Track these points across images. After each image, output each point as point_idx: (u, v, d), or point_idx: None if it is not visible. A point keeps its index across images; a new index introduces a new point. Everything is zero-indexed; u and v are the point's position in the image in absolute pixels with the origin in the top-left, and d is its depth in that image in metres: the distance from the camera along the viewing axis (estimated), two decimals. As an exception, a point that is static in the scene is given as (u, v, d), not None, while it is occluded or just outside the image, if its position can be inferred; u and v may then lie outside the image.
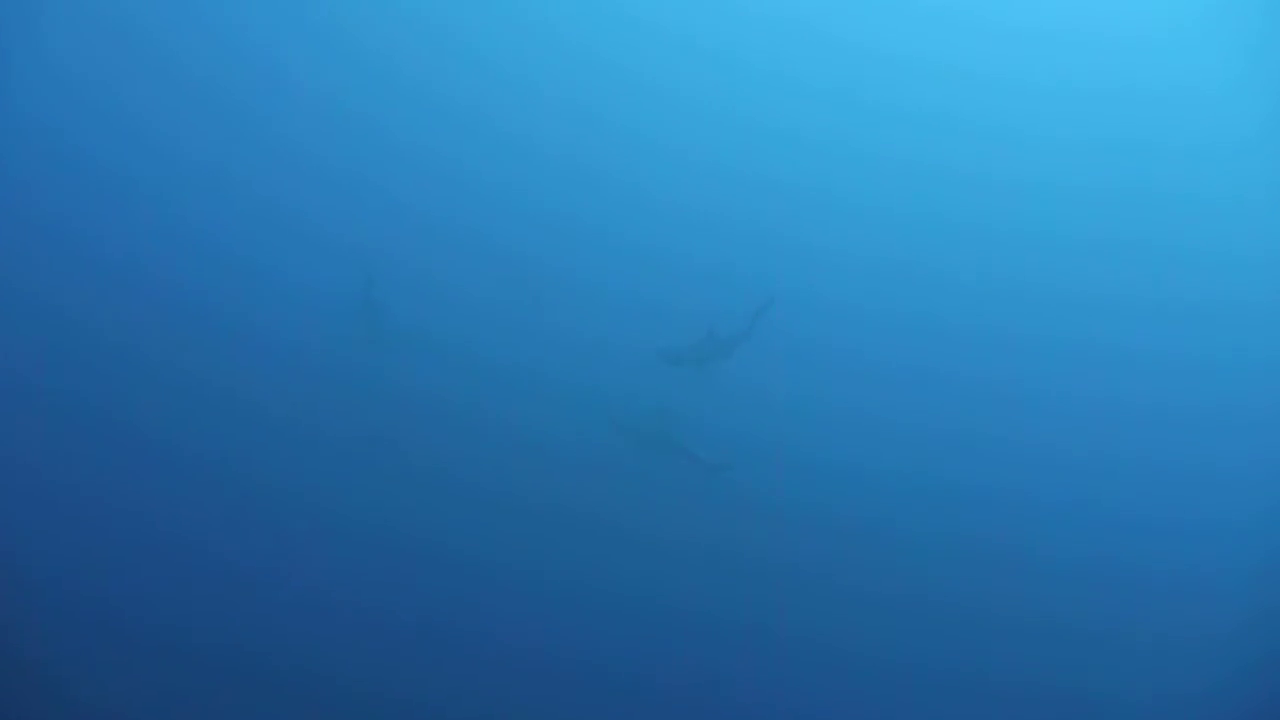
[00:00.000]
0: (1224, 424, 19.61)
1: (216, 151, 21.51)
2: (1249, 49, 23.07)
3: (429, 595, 13.28)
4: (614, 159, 24.53)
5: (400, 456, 15.16)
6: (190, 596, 12.47)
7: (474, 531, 14.22)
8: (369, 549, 13.73)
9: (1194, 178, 24.94)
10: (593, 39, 27.49)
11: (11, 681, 10.79)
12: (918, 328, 21.36)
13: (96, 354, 15.78)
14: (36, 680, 10.97)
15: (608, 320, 18.71)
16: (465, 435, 15.87)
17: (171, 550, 12.99)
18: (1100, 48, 27.80)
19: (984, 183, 25.53)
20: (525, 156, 23.91)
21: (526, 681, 12.42)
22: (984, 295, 22.59)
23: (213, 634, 12.05)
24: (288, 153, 22.09)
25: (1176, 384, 20.63)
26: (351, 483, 14.59)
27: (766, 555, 14.73)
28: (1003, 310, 22.28)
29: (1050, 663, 14.27)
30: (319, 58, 24.77)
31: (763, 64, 27.88)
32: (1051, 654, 14.43)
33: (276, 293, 18.25)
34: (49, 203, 18.90)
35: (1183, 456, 18.71)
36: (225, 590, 12.66)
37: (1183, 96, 26.26)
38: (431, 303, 18.34)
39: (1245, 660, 14.00)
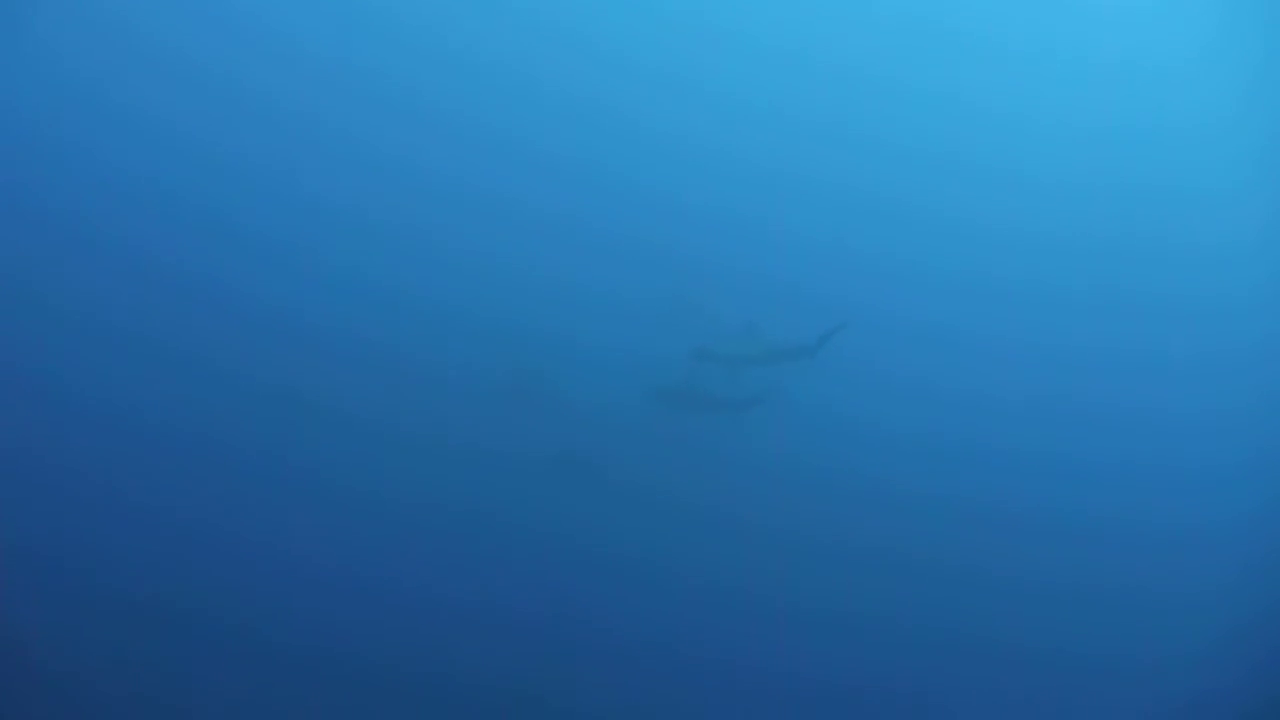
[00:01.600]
0: (1216, 373, 20.19)
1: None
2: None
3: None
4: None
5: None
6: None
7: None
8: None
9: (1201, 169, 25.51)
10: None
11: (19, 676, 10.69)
12: (933, 282, 22.06)
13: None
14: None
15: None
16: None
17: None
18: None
19: (1009, 182, 25.90)
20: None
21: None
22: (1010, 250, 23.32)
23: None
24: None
25: (1166, 331, 21.31)
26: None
27: (776, 517, 15.01)
28: (1019, 263, 22.96)
29: (1057, 622, 14.68)
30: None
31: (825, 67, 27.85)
32: (1057, 613, 14.83)
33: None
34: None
35: (1176, 408, 19.33)
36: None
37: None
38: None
39: (1243, 615, 14.38)
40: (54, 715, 10.30)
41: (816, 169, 24.29)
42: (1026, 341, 20.91)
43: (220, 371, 15.78)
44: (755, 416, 15.26)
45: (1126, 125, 26.17)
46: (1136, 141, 25.99)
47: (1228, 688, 13.07)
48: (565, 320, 17.95)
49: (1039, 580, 15.24)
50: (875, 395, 18.17)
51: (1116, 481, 17.60)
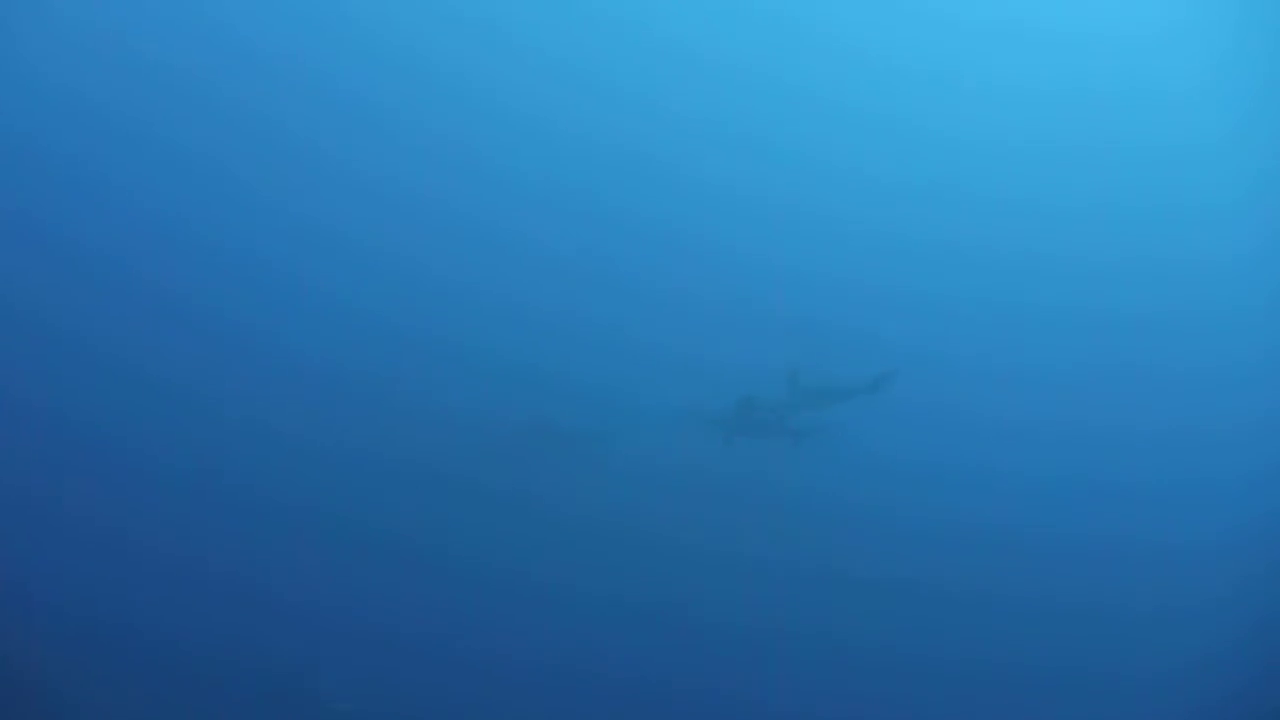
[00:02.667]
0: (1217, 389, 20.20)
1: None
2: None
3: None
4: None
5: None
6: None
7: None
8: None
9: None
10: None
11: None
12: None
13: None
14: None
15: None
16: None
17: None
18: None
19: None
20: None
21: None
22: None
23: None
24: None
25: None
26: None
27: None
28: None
29: (1065, 639, 14.94)
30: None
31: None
32: (1064, 630, 15.08)
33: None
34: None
35: (1180, 424, 19.39)
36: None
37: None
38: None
39: (1244, 628, 14.48)
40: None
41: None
42: (1037, 364, 21.06)
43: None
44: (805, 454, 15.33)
45: (1126, 147, 26.34)
46: (1137, 163, 26.13)
47: (1229, 698, 13.25)
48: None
49: (1055, 600, 15.51)
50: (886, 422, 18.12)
51: (1123, 498, 17.72)
